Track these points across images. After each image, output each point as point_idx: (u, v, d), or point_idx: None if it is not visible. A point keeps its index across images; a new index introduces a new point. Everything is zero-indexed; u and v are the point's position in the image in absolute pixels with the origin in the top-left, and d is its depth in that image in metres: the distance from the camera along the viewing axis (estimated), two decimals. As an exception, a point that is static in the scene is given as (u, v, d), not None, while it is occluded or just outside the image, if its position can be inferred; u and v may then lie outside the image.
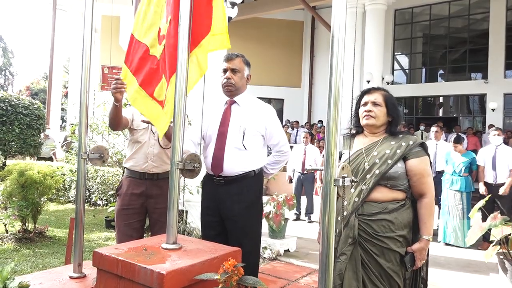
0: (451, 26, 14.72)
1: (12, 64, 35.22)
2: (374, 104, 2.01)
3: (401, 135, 2.01)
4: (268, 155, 2.59)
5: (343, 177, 1.37)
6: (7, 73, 34.86)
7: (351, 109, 2.06)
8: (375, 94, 2.04)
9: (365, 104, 2.04)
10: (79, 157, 2.30)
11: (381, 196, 1.92)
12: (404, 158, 1.94)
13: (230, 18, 6.27)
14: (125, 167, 2.85)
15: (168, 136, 2.48)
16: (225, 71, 2.47)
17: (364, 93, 2.08)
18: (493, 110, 13.01)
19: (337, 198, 1.39)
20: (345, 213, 1.93)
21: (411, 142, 1.95)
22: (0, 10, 71.91)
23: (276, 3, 13.31)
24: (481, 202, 4.00)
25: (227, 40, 2.05)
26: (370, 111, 2.00)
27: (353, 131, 2.14)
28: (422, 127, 11.60)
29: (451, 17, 14.53)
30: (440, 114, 15.47)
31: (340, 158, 2.11)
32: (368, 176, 1.93)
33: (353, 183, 1.40)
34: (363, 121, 2.04)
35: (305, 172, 6.87)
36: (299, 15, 16.54)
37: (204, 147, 2.50)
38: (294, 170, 7.13)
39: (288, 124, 13.99)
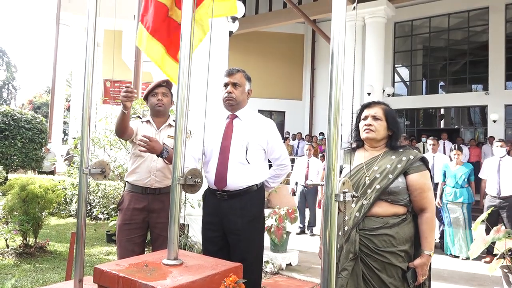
0: (451, 38, 14.82)
1: (15, 78, 35.52)
2: (374, 118, 2.01)
3: (401, 150, 2.01)
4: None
5: (344, 192, 1.37)
6: (10, 87, 35.11)
7: (351, 123, 2.07)
8: (375, 108, 2.04)
9: (365, 118, 2.04)
10: (81, 172, 2.30)
11: (382, 211, 1.92)
12: (405, 172, 1.94)
13: (231, 32, 6.33)
14: (126, 181, 2.84)
15: (169, 159, 2.50)
16: (226, 85, 2.49)
17: (364, 107, 2.09)
18: (494, 121, 13.02)
19: (338, 213, 1.38)
20: (346, 228, 1.92)
21: (411, 157, 1.95)
22: (4, 25, 72.75)
23: (276, 17, 13.46)
24: (484, 215, 3.98)
25: (234, 6, 2.04)
26: (370, 125, 2.00)
27: (354, 145, 2.14)
28: (423, 139, 11.59)
29: (450, 30, 14.64)
30: (442, 125, 15.47)
31: (341, 172, 2.11)
32: (369, 191, 1.92)
33: (354, 198, 1.40)
34: (363, 135, 2.04)
35: (307, 185, 6.86)
36: (300, 29, 16.69)
37: (205, 162, 2.50)
38: (297, 183, 7.12)
39: (288, 135, 14.01)
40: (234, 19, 5.86)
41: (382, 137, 2.03)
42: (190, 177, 1.87)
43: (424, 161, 1.98)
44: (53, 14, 16.02)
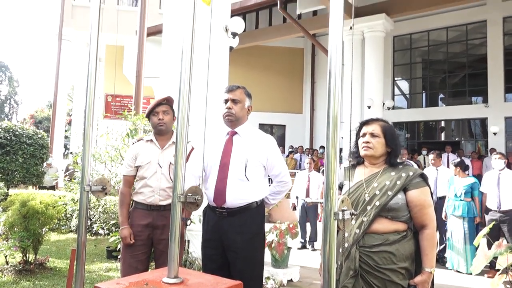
0: (450, 51, 14.93)
1: (17, 93, 35.72)
2: (372, 135, 2.03)
3: (401, 166, 2.02)
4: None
5: (343, 210, 1.37)
6: (12, 102, 35.29)
7: (350, 140, 2.09)
8: (373, 125, 2.06)
9: (364, 135, 2.06)
10: (82, 189, 2.31)
11: (382, 228, 1.92)
12: (405, 189, 1.95)
13: (231, 48, 6.39)
14: (133, 200, 2.89)
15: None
16: (226, 101, 2.50)
17: (363, 124, 2.11)
18: (494, 134, 13.02)
19: (338, 231, 1.39)
20: (346, 245, 1.92)
21: (411, 173, 1.96)
22: (7, 40, 73.48)
23: (276, 32, 13.58)
24: (486, 229, 3.95)
25: None
26: (368, 142, 2.02)
27: (354, 162, 2.15)
28: (424, 152, 11.59)
29: (449, 43, 14.76)
30: (442, 138, 15.48)
31: (341, 189, 2.12)
32: (368, 207, 1.93)
33: (353, 216, 1.40)
34: (361, 152, 2.06)
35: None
36: (300, 43, 16.83)
37: (205, 179, 2.50)
38: (297, 197, 7.09)
39: (293, 150, 14.02)
40: (234, 34, 5.92)
41: (381, 154, 2.04)
42: (190, 194, 1.88)
43: (423, 177, 1.99)
44: (55, 30, 16.22)
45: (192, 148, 2.87)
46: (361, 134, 2.09)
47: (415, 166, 6.29)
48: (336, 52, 1.40)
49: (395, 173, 1.98)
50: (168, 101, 2.93)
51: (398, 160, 2.07)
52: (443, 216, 5.74)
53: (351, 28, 10.72)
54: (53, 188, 10.23)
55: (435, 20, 14.19)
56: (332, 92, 1.39)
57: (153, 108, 2.89)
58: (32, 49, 79.21)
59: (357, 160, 2.14)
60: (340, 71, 1.41)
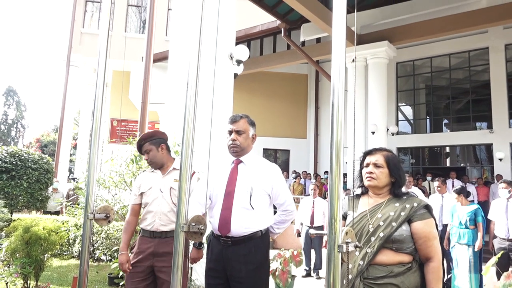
0: (453, 77, 15.02)
1: (24, 117, 36.13)
2: (376, 165, 2.03)
3: (405, 197, 2.00)
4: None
5: (347, 243, 1.36)
6: (18, 126, 35.66)
7: (353, 167, 2.09)
8: (377, 155, 2.06)
9: (367, 165, 2.06)
10: (85, 217, 2.31)
11: (387, 259, 1.89)
12: (409, 220, 1.92)
13: (236, 75, 6.48)
14: (140, 227, 2.95)
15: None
16: (230, 132, 2.52)
17: (366, 154, 2.11)
18: (500, 159, 12.94)
19: (342, 263, 1.37)
20: (350, 276, 1.89)
21: (415, 204, 1.94)
22: (16, 65, 74.93)
23: (280, 58, 13.79)
24: (494, 259, 3.88)
25: None
26: (371, 173, 2.02)
27: (358, 192, 2.14)
28: (429, 178, 11.51)
29: (452, 69, 14.88)
30: (448, 164, 15.39)
31: (344, 219, 2.11)
32: (372, 238, 1.91)
33: (357, 248, 1.39)
34: (365, 183, 2.05)
35: (313, 226, 6.77)
36: (303, 69, 17.05)
37: (210, 207, 2.50)
38: (302, 223, 7.02)
39: (296, 175, 13.96)
40: (239, 62, 6.02)
41: (385, 184, 2.03)
42: (194, 224, 1.87)
43: (428, 208, 1.97)
44: (64, 56, 16.56)
45: (193, 173, 2.88)
46: (364, 164, 2.09)
47: (421, 193, 6.25)
48: (339, 78, 1.42)
49: (400, 204, 1.96)
50: (145, 140, 3.00)
51: (404, 188, 2.06)
52: (444, 245, 5.66)
53: (353, 60, 10.89)
54: (57, 213, 10.21)
55: (438, 47, 14.36)
56: (335, 119, 1.39)
57: (138, 151, 3.05)
58: (40, 74, 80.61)
59: (361, 190, 2.13)
60: (343, 97, 1.42)
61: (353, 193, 2.15)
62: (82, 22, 16.80)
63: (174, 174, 2.90)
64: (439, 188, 6.19)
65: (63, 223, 6.13)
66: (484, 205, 9.90)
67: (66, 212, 5.70)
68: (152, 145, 2.96)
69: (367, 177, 2.03)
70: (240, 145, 2.48)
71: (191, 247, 2.82)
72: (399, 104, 15.79)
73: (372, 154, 2.09)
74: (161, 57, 12.05)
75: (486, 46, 13.71)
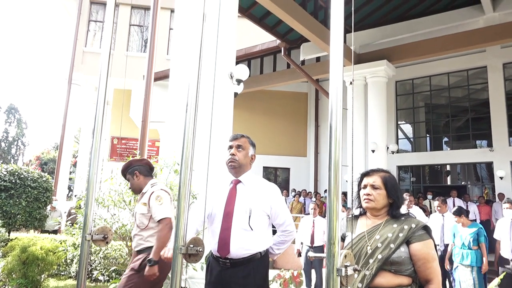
0: (452, 96, 15.10)
1: (24, 134, 36.20)
2: (373, 187, 2.02)
3: (403, 218, 1.99)
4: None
5: (346, 266, 1.35)
6: (19, 143, 35.69)
7: (352, 193, 2.08)
8: (374, 177, 2.05)
9: (365, 186, 2.05)
10: (83, 238, 2.29)
11: (386, 282, 1.86)
12: (408, 242, 1.90)
13: (236, 93, 6.52)
14: None
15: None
16: (230, 148, 2.52)
17: (363, 175, 2.11)
18: (501, 178, 12.90)
19: (341, 287, 1.35)
20: (349, 300, 1.86)
21: (413, 225, 1.92)
22: (17, 83, 75.57)
23: (280, 77, 13.90)
24: (497, 280, 3.83)
25: None
26: (369, 194, 2.01)
27: (356, 213, 2.13)
28: (429, 196, 11.45)
29: (451, 88, 14.97)
30: (448, 182, 15.33)
31: (343, 240, 2.09)
32: (371, 260, 1.88)
33: (356, 272, 1.37)
34: (363, 204, 2.04)
35: (314, 245, 6.69)
36: (303, 87, 17.16)
37: (209, 228, 2.48)
38: (302, 243, 6.95)
39: (296, 193, 13.89)
40: (239, 81, 6.07)
41: (382, 206, 2.02)
42: (192, 246, 1.85)
43: (427, 229, 1.95)
44: (65, 74, 16.70)
45: (152, 193, 3.04)
46: (362, 185, 2.08)
47: (421, 213, 6.20)
48: (337, 97, 1.42)
49: (398, 225, 1.95)
50: (123, 172, 3.31)
51: (405, 207, 2.05)
52: (447, 266, 5.59)
53: (351, 83, 10.98)
54: (55, 232, 10.12)
55: (436, 66, 14.49)
56: (333, 140, 1.39)
57: None
58: (42, 92, 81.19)
59: (360, 210, 2.12)
60: (341, 117, 1.42)
61: (352, 214, 2.13)
62: (85, 41, 17.00)
63: (143, 198, 3.07)
64: (439, 208, 6.14)
65: (61, 243, 6.06)
66: (486, 224, 9.83)
67: (64, 232, 5.64)
68: (129, 175, 3.24)
69: (364, 199, 2.02)
70: (239, 160, 2.47)
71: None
72: (399, 122, 15.84)
73: (369, 175, 2.08)
74: (162, 76, 12.15)
75: (484, 65, 13.83)
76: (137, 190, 3.20)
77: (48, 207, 8.77)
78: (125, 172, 3.27)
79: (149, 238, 2.94)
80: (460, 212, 5.39)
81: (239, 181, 2.49)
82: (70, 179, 19.83)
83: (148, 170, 3.28)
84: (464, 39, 10.61)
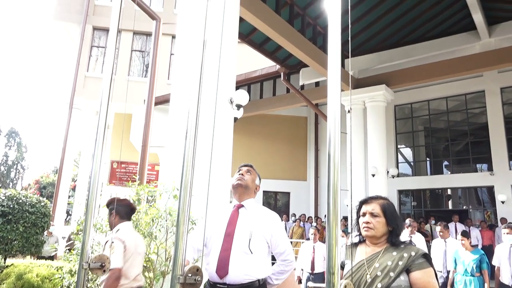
0: (451, 120, 15.19)
1: (24, 158, 36.18)
2: (372, 215, 2.00)
3: (402, 246, 1.97)
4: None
5: (347, 297, 1.32)
6: (18, 167, 35.62)
7: (351, 219, 2.06)
8: (373, 204, 2.04)
9: (364, 214, 2.03)
10: (80, 266, 2.25)
11: None
12: (407, 270, 1.87)
13: (236, 118, 6.56)
14: None
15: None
16: (239, 171, 2.61)
17: (362, 203, 2.09)
18: (503, 202, 12.82)
19: (341, 318, 1.32)
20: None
21: (413, 253, 1.90)
22: (19, 108, 76.11)
23: (280, 101, 14.02)
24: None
25: None
26: (368, 222, 1.99)
27: (356, 240, 2.11)
28: (432, 222, 11.34)
29: (449, 112, 15.07)
30: (450, 206, 15.23)
31: (342, 268, 2.05)
32: None
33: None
34: (362, 233, 2.02)
35: (314, 272, 6.58)
36: (303, 111, 17.28)
37: (207, 253, 2.45)
38: (302, 270, 6.84)
39: (296, 218, 13.75)
40: (239, 106, 6.11)
41: (382, 233, 2.00)
42: (190, 275, 1.83)
43: (427, 257, 1.92)
44: (67, 98, 16.84)
45: (107, 242, 3.10)
46: (361, 213, 2.07)
47: (422, 240, 6.13)
48: (335, 121, 1.42)
49: (397, 253, 1.92)
50: (107, 207, 3.40)
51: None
52: None
53: (349, 111, 11.07)
54: (52, 258, 9.96)
55: (434, 90, 14.63)
56: (332, 166, 1.38)
57: None
58: (43, 115, 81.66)
59: (359, 238, 2.10)
60: (339, 142, 1.42)
61: (351, 242, 2.11)
62: (87, 66, 17.21)
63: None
64: (441, 233, 6.08)
65: (57, 269, 5.96)
66: (489, 250, 9.69)
67: (62, 258, 5.56)
68: (108, 212, 3.36)
69: (364, 227, 2.00)
70: (246, 181, 2.56)
71: None
72: (399, 146, 15.87)
73: (368, 203, 2.06)
74: (163, 100, 12.25)
75: (482, 90, 13.97)
76: (111, 228, 3.31)
77: (45, 233, 8.65)
78: (108, 208, 3.39)
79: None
80: (468, 235, 5.40)
81: (242, 206, 2.51)
82: (68, 203, 19.70)
83: (126, 211, 3.31)
84: (461, 64, 10.76)
